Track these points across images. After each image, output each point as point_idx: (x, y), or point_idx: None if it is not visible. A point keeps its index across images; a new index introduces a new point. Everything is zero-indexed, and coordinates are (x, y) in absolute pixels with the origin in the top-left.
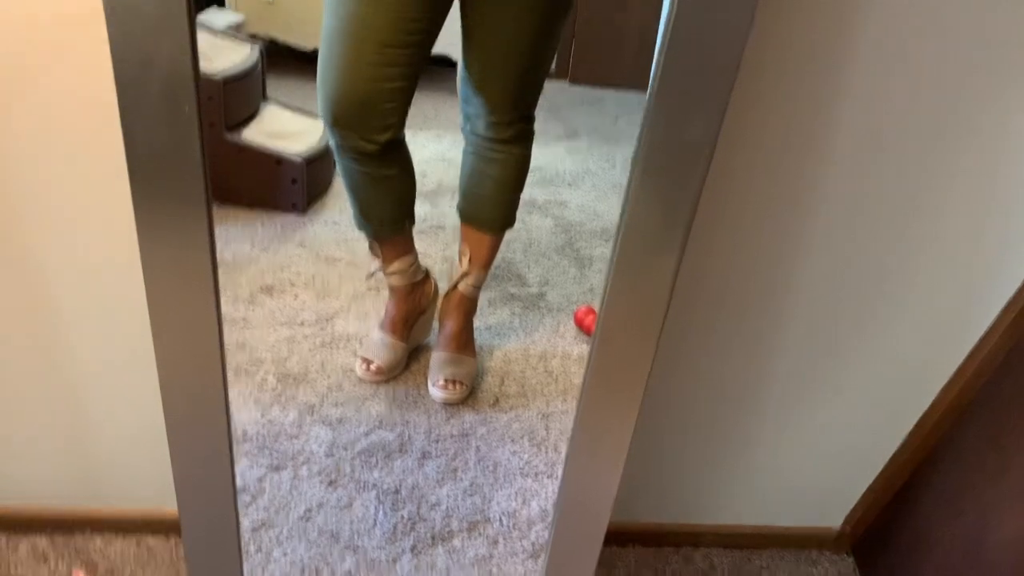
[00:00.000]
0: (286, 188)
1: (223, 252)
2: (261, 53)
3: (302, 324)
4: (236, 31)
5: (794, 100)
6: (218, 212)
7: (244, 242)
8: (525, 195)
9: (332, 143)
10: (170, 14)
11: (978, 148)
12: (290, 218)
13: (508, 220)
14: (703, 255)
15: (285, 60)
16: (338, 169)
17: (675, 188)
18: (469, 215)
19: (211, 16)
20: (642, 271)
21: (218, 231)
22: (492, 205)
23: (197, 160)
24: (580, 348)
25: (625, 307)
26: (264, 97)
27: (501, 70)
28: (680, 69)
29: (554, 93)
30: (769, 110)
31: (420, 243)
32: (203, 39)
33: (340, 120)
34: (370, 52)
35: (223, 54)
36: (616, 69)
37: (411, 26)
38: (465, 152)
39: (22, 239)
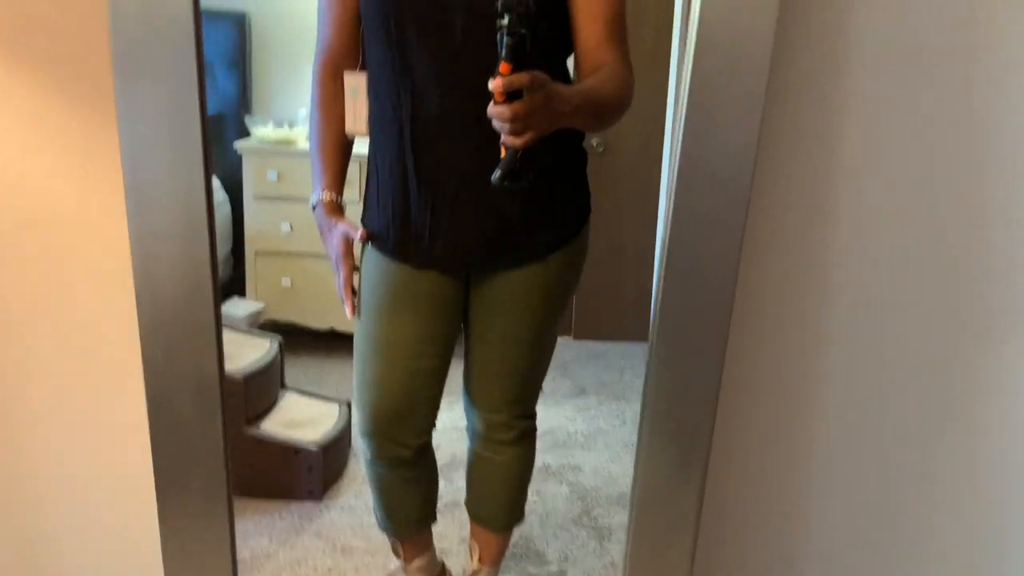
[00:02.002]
0: (303, 476)
1: (241, 550)
2: (280, 346)
3: None
4: (255, 318)
5: (785, 347)
6: (237, 504)
7: (262, 536)
8: (538, 462)
9: (366, 454)
10: (200, 323)
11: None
12: (307, 506)
13: (515, 518)
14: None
15: (303, 342)
16: (366, 475)
17: (685, 443)
18: (476, 514)
19: (233, 306)
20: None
21: (236, 525)
22: (498, 505)
23: (220, 461)
24: None
25: None
26: (282, 385)
27: (500, 375)
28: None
29: (560, 349)
30: (764, 358)
31: (436, 523)
32: (226, 337)
33: (378, 433)
34: (400, 369)
35: (243, 351)
36: (618, 323)
37: (434, 338)
38: (469, 450)
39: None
